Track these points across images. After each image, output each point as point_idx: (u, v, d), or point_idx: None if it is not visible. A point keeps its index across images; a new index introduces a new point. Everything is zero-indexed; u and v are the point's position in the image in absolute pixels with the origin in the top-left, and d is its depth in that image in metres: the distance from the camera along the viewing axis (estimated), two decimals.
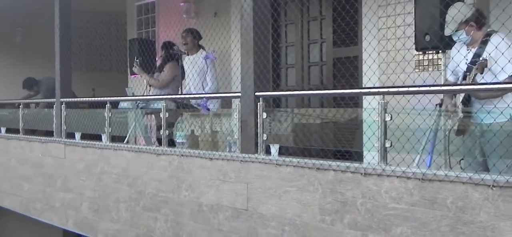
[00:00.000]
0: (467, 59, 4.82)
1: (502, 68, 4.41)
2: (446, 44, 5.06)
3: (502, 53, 4.34)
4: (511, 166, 3.94)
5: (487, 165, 4.49)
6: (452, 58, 5.00)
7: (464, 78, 4.76)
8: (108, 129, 7.11)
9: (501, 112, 4.09)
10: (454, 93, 4.92)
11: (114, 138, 7.19)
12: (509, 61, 4.34)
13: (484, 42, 4.73)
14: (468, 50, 4.86)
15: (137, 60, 8.04)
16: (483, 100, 4.61)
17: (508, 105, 4.29)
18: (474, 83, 4.53)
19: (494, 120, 4.28)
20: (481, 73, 4.47)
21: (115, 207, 6.88)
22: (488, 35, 4.76)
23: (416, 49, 5.50)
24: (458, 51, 4.90)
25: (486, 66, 4.50)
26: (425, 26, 5.24)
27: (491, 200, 3.61)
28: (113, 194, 6.91)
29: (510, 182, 3.53)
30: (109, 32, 13.05)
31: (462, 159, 4.72)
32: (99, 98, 7.68)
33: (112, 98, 7.40)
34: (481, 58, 4.57)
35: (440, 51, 5.40)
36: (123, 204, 6.73)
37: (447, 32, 4.82)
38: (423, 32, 5.28)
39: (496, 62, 4.51)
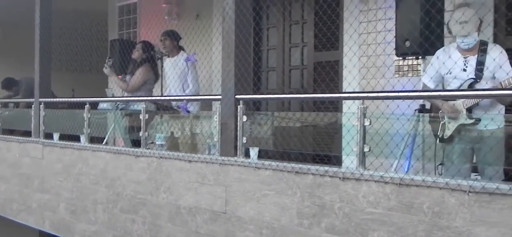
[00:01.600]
0: (466, 66, 4.77)
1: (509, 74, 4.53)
2: (425, 50, 5.08)
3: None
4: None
5: (483, 170, 4.57)
6: (432, 64, 4.98)
7: (470, 85, 4.71)
8: (87, 130, 7.06)
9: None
10: (431, 99, 4.94)
11: (93, 139, 7.13)
12: (507, 73, 4.55)
13: (483, 50, 4.74)
14: (464, 57, 4.79)
15: (108, 60, 7.96)
16: (484, 107, 4.67)
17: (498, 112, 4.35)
18: (461, 89, 4.61)
19: (498, 126, 4.46)
20: None
21: (92, 208, 6.82)
22: (482, 44, 4.77)
23: (396, 55, 5.52)
24: (437, 56, 4.92)
25: None
26: (405, 32, 5.27)
27: (467, 205, 3.63)
28: (91, 195, 6.86)
29: (486, 188, 3.55)
30: (90, 33, 12.95)
31: (441, 164, 4.75)
32: (78, 99, 7.62)
33: (91, 98, 7.35)
34: None
35: (420, 57, 5.42)
36: (101, 205, 6.67)
37: (463, 32, 4.66)
38: (403, 38, 5.30)
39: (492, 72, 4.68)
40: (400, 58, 5.78)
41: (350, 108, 4.64)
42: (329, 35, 6.75)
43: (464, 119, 4.70)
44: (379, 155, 4.28)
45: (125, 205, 6.32)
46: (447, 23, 4.82)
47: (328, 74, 6.95)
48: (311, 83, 7.55)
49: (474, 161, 4.74)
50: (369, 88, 5.77)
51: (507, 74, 4.58)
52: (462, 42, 4.72)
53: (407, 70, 6.20)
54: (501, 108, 4.74)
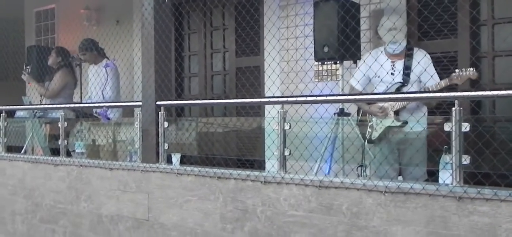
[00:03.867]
0: (393, 70, 4.93)
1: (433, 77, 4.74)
2: (341, 55, 5.21)
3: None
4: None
5: (406, 171, 4.78)
6: (359, 68, 5.08)
7: (398, 89, 4.88)
8: (3, 139, 6.86)
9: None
10: (354, 102, 5.08)
11: (10, 149, 6.94)
12: (431, 76, 4.78)
13: (409, 55, 4.91)
14: (391, 61, 4.97)
15: (27, 67, 7.79)
16: (410, 110, 4.85)
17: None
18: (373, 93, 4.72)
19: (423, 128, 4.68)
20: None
21: (10, 219, 6.63)
22: (408, 49, 4.94)
23: (315, 60, 5.64)
24: (364, 60, 5.05)
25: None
26: (323, 38, 5.38)
27: (384, 205, 3.76)
28: (9, 206, 6.66)
29: (401, 188, 3.68)
30: (6, 39, 12.55)
31: (360, 166, 4.90)
32: None
33: (7, 107, 7.14)
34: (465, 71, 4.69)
35: (338, 62, 5.55)
36: (19, 216, 6.50)
37: (393, 40, 4.84)
38: (321, 44, 5.41)
39: (418, 76, 4.87)
40: (319, 63, 5.91)
41: (270, 113, 4.71)
42: (248, 40, 6.82)
43: (391, 122, 4.86)
44: (299, 158, 4.36)
45: (44, 215, 6.18)
46: (377, 29, 5.00)
47: (249, 80, 7.02)
48: (233, 89, 7.60)
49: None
50: (288, 92, 5.86)
51: (432, 77, 4.79)
52: (391, 48, 4.91)
53: (326, 75, 6.34)
54: (425, 111, 4.96)
